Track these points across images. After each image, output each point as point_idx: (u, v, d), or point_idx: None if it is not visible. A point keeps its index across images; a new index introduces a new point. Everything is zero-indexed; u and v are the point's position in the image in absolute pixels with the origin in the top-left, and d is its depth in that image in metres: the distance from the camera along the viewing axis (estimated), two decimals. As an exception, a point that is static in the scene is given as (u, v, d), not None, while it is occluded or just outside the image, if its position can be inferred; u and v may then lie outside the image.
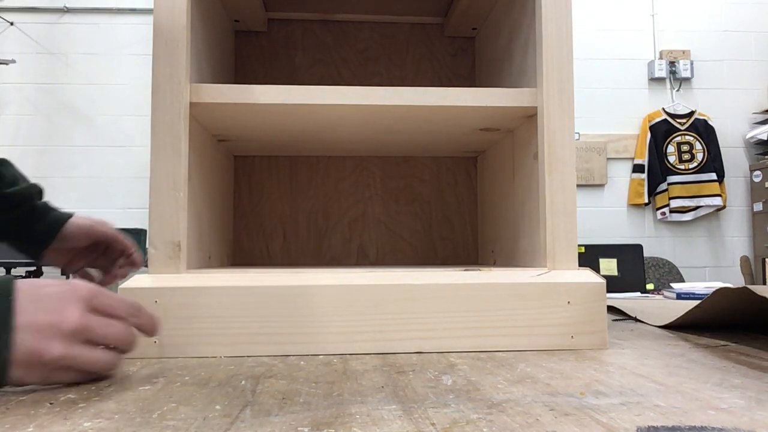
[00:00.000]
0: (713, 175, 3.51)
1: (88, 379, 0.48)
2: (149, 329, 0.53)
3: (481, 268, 0.69)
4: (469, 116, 0.77)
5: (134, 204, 3.28)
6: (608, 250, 1.59)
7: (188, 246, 0.67)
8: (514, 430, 0.35)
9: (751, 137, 3.60)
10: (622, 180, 3.62)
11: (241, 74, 1.04)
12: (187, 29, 0.66)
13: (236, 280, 0.62)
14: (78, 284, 0.47)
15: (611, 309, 1.02)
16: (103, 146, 3.39)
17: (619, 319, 0.91)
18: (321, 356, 0.60)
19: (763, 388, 0.45)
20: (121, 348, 0.49)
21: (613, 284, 1.52)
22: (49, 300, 0.45)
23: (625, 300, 1.25)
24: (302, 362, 0.57)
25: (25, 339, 0.43)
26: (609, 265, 1.55)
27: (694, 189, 3.52)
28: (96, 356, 0.47)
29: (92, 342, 0.47)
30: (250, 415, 0.39)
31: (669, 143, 3.56)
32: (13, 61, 3.31)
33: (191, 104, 0.67)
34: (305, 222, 1.04)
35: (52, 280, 0.48)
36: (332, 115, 0.75)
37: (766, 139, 3.49)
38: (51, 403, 0.42)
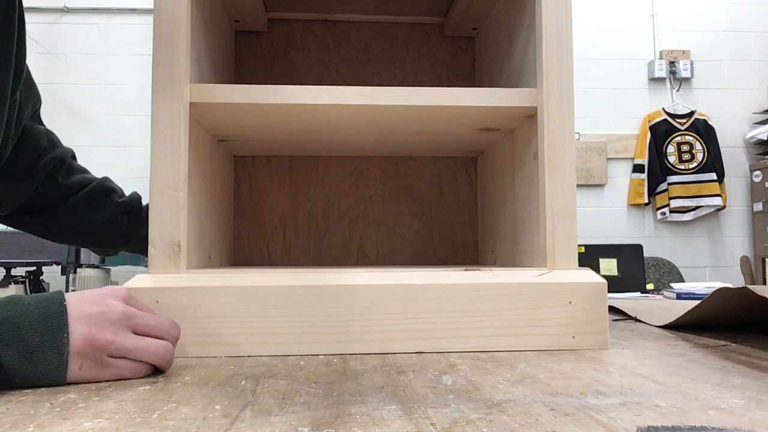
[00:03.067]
0: (713, 175, 3.51)
1: (143, 375, 0.50)
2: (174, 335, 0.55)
3: (481, 268, 0.69)
4: (469, 116, 0.77)
5: (134, 204, 3.28)
6: (608, 250, 1.59)
7: (188, 246, 0.67)
8: (514, 430, 0.35)
9: (751, 137, 3.60)
10: (622, 180, 3.62)
11: (241, 74, 1.04)
12: (187, 29, 0.66)
13: (236, 280, 0.62)
14: (115, 287, 0.53)
15: (611, 309, 1.02)
16: (103, 146, 3.39)
17: (619, 319, 0.91)
18: (321, 356, 0.60)
19: (763, 388, 0.45)
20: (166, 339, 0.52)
21: (613, 284, 1.52)
22: (93, 297, 0.50)
23: (625, 300, 1.25)
24: (302, 362, 0.57)
25: (77, 329, 0.47)
26: (609, 265, 1.55)
27: (694, 189, 3.52)
28: (146, 343, 0.50)
29: (138, 332, 0.51)
30: (250, 415, 0.39)
31: (669, 143, 3.56)
32: (13, 61, 3.31)
33: (191, 104, 0.67)
34: (305, 222, 1.04)
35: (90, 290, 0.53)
36: (332, 115, 0.75)
37: (766, 139, 3.50)
38: (51, 403, 0.42)
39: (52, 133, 0.87)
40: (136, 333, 0.50)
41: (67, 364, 0.47)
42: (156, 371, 0.52)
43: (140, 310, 0.52)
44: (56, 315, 0.47)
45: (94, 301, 0.50)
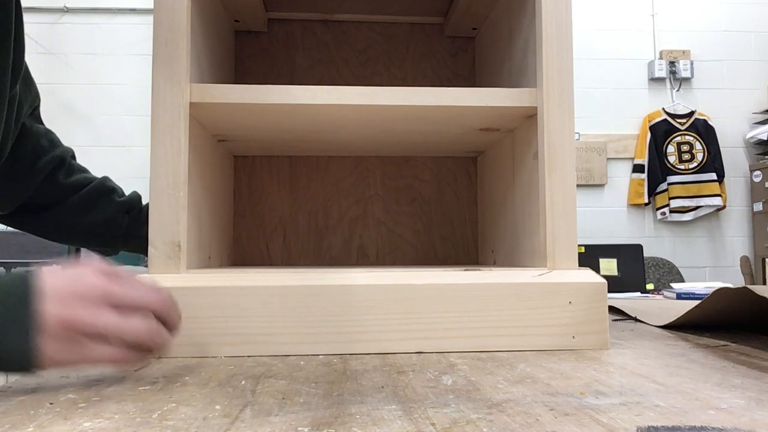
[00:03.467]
0: (713, 175, 3.51)
1: (125, 361, 0.45)
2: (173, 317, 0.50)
3: (481, 268, 0.69)
4: (469, 116, 0.77)
5: (134, 204, 3.28)
6: (608, 250, 1.59)
7: (188, 246, 0.67)
8: (514, 430, 0.35)
9: (751, 137, 3.60)
10: (622, 180, 3.62)
11: (241, 74, 1.04)
12: (187, 29, 0.66)
13: (236, 280, 0.62)
14: (93, 261, 0.47)
15: (611, 309, 1.02)
16: (103, 146, 3.39)
17: (619, 319, 0.91)
18: (321, 356, 0.60)
19: (763, 388, 0.45)
20: (157, 315, 0.47)
21: (613, 284, 1.51)
22: (69, 273, 0.45)
23: (625, 300, 1.25)
24: (302, 362, 0.57)
25: (50, 309, 0.42)
26: (609, 265, 1.55)
27: (694, 189, 3.52)
28: (129, 321, 0.45)
29: (119, 308, 0.45)
30: (250, 415, 0.39)
31: (669, 143, 3.56)
32: (13, 61, 3.31)
33: (191, 104, 0.67)
34: (305, 222, 1.04)
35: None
36: (332, 115, 0.75)
37: (766, 139, 3.50)
38: (51, 403, 0.42)
39: (51, 133, 0.87)
40: (116, 309, 0.45)
41: (35, 347, 0.42)
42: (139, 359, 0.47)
43: (122, 283, 0.46)
44: (23, 293, 0.42)
45: (68, 278, 0.44)
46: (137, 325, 0.45)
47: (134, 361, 0.46)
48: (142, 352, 0.46)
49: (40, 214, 0.88)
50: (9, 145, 0.75)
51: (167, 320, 0.49)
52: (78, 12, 3.47)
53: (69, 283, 0.44)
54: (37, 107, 0.86)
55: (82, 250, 2.97)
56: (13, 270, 0.45)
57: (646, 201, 3.56)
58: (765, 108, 3.57)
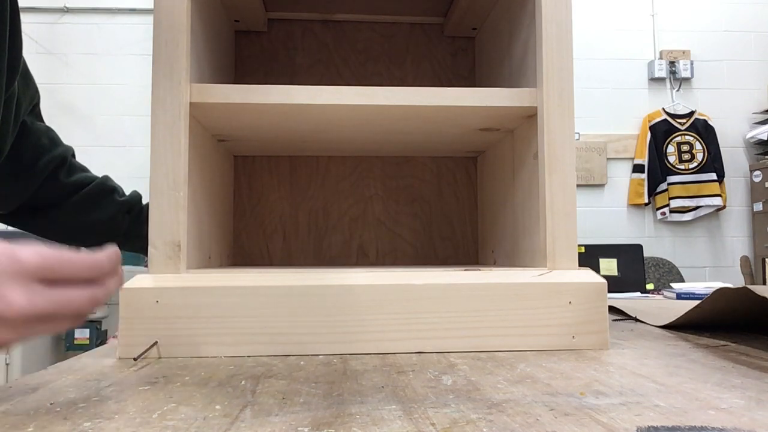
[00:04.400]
0: (713, 175, 3.51)
1: (67, 329, 0.42)
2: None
3: (481, 268, 0.69)
4: (469, 116, 0.77)
5: (134, 204, 3.28)
6: (608, 250, 1.59)
7: (188, 246, 0.67)
8: (514, 430, 0.35)
9: (751, 137, 3.60)
10: (622, 180, 3.62)
11: (241, 74, 1.04)
12: (187, 29, 0.66)
13: (236, 280, 0.62)
14: (27, 241, 0.42)
15: (611, 309, 1.02)
16: (103, 146, 3.39)
17: (619, 319, 0.91)
18: (321, 356, 0.60)
19: (763, 388, 0.45)
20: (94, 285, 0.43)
21: (613, 284, 1.52)
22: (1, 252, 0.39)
23: (625, 300, 1.25)
24: (302, 362, 0.57)
25: None
26: (609, 265, 1.55)
27: (694, 189, 3.52)
28: (72, 295, 0.41)
29: (56, 281, 0.40)
30: (250, 415, 0.39)
31: (669, 143, 3.56)
32: (13, 61, 3.31)
33: (191, 104, 0.67)
34: (305, 222, 1.04)
35: None
36: (332, 115, 0.75)
37: (766, 139, 3.49)
38: (51, 403, 0.42)
39: (51, 131, 0.87)
40: (52, 284, 0.40)
41: None
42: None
43: (54, 256, 0.40)
44: None
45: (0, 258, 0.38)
46: (70, 300, 0.41)
47: (71, 327, 0.42)
48: (78, 319, 0.42)
49: (41, 213, 0.88)
50: (9, 144, 0.75)
51: (99, 281, 0.44)
52: (78, 12, 3.47)
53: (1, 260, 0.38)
54: (37, 104, 0.86)
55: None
56: None
57: (646, 201, 3.56)
58: (765, 108, 3.57)
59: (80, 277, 0.42)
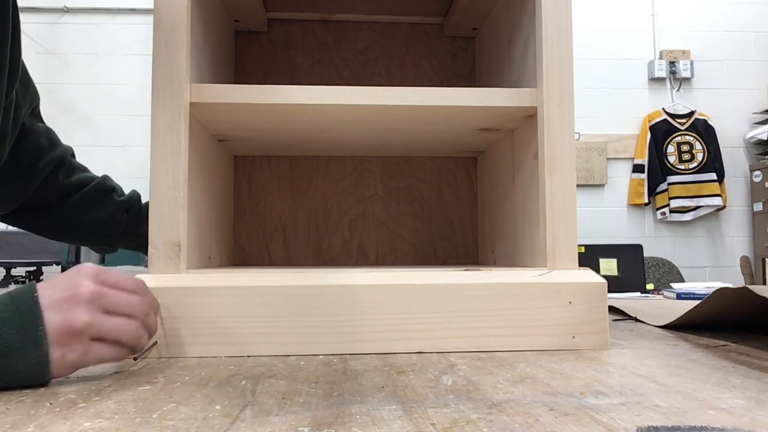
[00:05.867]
0: (713, 175, 3.51)
1: (122, 358, 0.51)
2: (154, 307, 0.56)
3: (481, 268, 0.69)
4: (469, 116, 0.77)
5: (134, 204, 3.28)
6: (608, 250, 1.59)
7: (188, 246, 0.67)
8: (514, 430, 0.35)
9: (751, 137, 3.60)
10: (622, 180, 3.62)
11: (241, 74, 1.04)
12: (187, 29, 0.66)
13: (236, 280, 0.62)
14: (83, 264, 0.51)
15: (611, 309, 1.02)
16: (103, 146, 3.39)
17: (619, 319, 0.91)
18: (321, 356, 0.60)
19: (763, 388, 0.45)
20: (137, 318, 0.52)
21: (613, 284, 1.51)
22: (61, 280, 0.49)
23: (625, 300, 1.25)
24: (302, 362, 0.57)
25: (51, 317, 0.46)
26: (609, 265, 1.55)
27: (694, 189, 3.52)
28: (121, 322, 0.50)
29: (110, 312, 0.49)
30: (250, 415, 0.39)
31: (669, 143, 3.56)
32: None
33: (191, 104, 0.67)
34: (305, 222, 1.04)
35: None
36: (332, 115, 0.75)
37: (766, 139, 3.50)
38: (51, 403, 0.42)
39: (51, 131, 0.87)
40: (108, 313, 0.49)
41: (48, 357, 0.45)
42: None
43: (111, 284, 0.51)
44: (29, 308, 0.45)
45: (63, 285, 0.48)
46: (126, 326, 0.50)
47: (123, 358, 0.51)
48: (129, 350, 0.52)
49: (41, 213, 0.88)
50: (8, 148, 0.75)
51: (147, 323, 0.54)
52: (78, 12, 3.47)
53: (63, 290, 0.48)
54: (37, 106, 0.86)
55: (83, 250, 2.97)
56: (12, 290, 0.48)
57: (646, 201, 3.56)
58: (765, 108, 3.57)
59: (131, 313, 0.51)
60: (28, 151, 0.82)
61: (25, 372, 0.45)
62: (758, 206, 3.53)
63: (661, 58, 3.63)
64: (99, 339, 0.48)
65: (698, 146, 3.54)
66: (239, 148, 0.98)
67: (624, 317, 0.94)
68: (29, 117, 0.83)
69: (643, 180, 3.56)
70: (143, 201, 0.97)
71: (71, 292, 0.47)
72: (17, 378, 0.45)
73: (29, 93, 0.81)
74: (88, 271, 0.50)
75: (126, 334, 0.50)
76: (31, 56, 3.40)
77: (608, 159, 3.60)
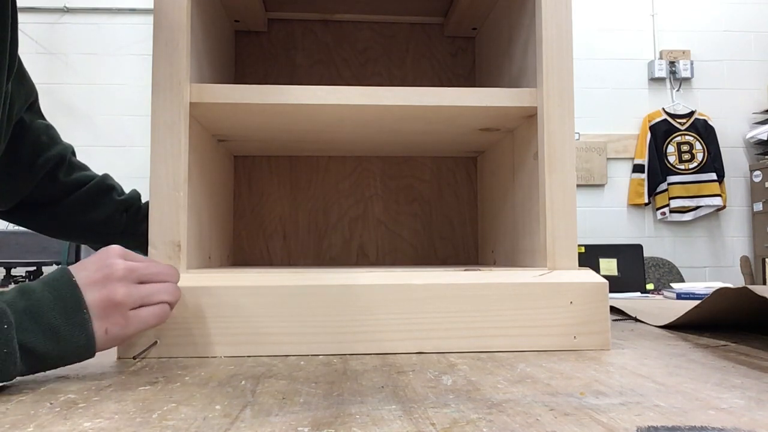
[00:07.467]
0: (713, 175, 3.51)
1: (165, 317, 0.55)
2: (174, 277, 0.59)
3: (481, 268, 0.69)
4: (469, 116, 0.77)
5: (134, 204, 3.28)
6: (608, 250, 1.58)
7: (188, 246, 0.67)
8: (514, 430, 0.35)
9: (751, 137, 3.60)
10: (622, 180, 3.62)
11: (241, 74, 1.04)
12: (187, 29, 0.66)
13: (236, 280, 0.62)
14: (110, 246, 0.55)
15: (611, 309, 1.02)
16: (103, 146, 3.39)
17: (619, 319, 0.91)
18: (321, 356, 0.60)
19: (763, 388, 0.45)
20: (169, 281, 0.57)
21: (613, 284, 1.51)
22: (93, 262, 0.52)
23: (625, 300, 1.25)
24: (302, 362, 0.57)
25: (90, 296, 0.50)
26: (609, 265, 1.55)
27: (694, 189, 3.51)
28: (157, 286, 0.55)
29: (144, 282, 0.54)
30: (250, 415, 0.39)
31: (669, 143, 3.56)
32: (13, 61, 3.30)
33: (191, 104, 0.67)
34: (305, 222, 1.04)
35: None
36: (332, 115, 0.75)
37: (766, 139, 3.49)
38: (51, 403, 0.42)
39: (52, 128, 0.87)
40: (142, 282, 0.54)
41: (94, 335, 0.49)
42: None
43: (139, 260, 0.55)
44: (71, 293, 0.49)
45: (95, 266, 0.52)
46: (163, 286, 0.55)
47: (167, 317, 0.56)
48: (170, 307, 0.56)
49: (40, 210, 0.88)
50: (3, 143, 0.75)
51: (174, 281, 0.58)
52: (78, 12, 3.46)
53: (97, 270, 0.51)
54: (35, 101, 0.85)
55: (83, 249, 2.97)
56: (47, 275, 0.52)
57: (646, 201, 3.56)
58: (765, 108, 3.57)
59: (164, 279, 0.56)
60: (28, 147, 0.82)
61: (74, 352, 0.49)
62: (758, 206, 3.53)
63: (661, 58, 3.63)
64: (140, 306, 0.53)
65: (698, 146, 3.54)
66: (239, 148, 0.98)
67: (624, 317, 0.94)
68: (29, 113, 0.83)
69: (643, 180, 3.55)
70: (143, 200, 0.96)
71: (106, 271, 0.51)
72: (66, 359, 0.49)
73: (24, 87, 0.81)
74: (116, 252, 0.54)
75: (165, 291, 0.55)
76: (31, 56, 3.40)
77: (608, 159, 3.60)
